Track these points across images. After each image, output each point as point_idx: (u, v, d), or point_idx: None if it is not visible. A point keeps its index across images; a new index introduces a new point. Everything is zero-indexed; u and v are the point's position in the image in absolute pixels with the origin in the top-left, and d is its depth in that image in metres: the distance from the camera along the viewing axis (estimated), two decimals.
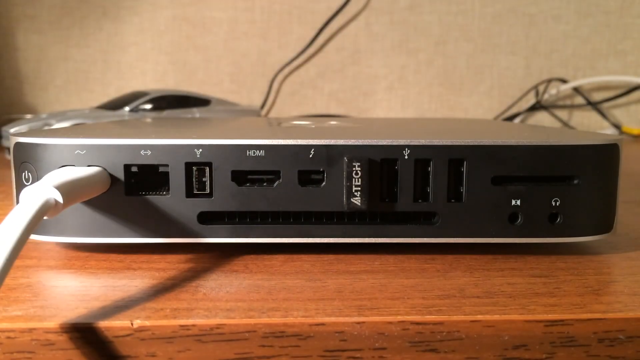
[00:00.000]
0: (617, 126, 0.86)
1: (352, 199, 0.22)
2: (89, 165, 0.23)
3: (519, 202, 0.23)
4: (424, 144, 0.23)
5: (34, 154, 0.23)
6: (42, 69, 0.84)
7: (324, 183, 0.23)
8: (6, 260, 0.16)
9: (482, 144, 0.23)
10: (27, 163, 0.23)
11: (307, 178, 0.23)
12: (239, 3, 0.86)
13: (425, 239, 0.24)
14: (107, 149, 0.23)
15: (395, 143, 0.23)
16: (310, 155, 0.23)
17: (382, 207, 0.23)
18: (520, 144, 0.23)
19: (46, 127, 0.53)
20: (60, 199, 0.19)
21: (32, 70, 0.84)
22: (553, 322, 0.18)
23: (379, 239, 0.24)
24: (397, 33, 0.87)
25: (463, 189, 0.23)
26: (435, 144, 0.23)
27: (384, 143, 0.23)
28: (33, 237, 0.24)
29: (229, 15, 0.86)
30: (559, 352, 0.18)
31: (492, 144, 0.23)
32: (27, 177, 0.23)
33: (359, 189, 0.22)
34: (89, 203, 0.23)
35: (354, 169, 0.22)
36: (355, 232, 0.24)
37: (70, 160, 0.23)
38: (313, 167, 0.23)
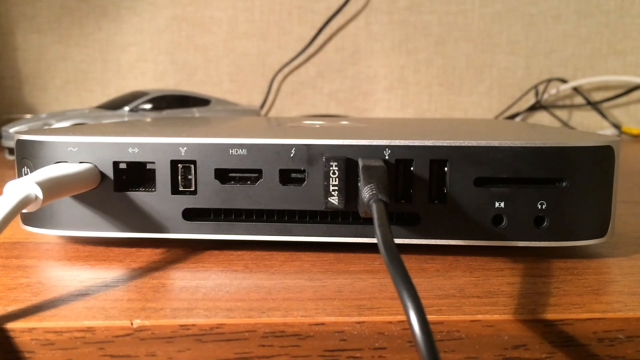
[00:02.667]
0: (616, 126, 0.86)
1: (329, 198, 0.22)
2: (80, 162, 0.24)
3: (502, 205, 0.22)
4: (405, 144, 0.22)
5: (32, 151, 0.24)
6: (41, 69, 0.84)
7: (305, 182, 0.23)
8: None
9: (463, 144, 0.22)
10: (26, 159, 0.24)
11: (288, 177, 0.23)
12: (239, 3, 0.86)
13: (406, 240, 0.23)
14: (96, 146, 0.24)
15: (375, 143, 0.22)
16: (291, 155, 0.23)
17: None
18: (503, 145, 0.22)
19: (46, 127, 0.53)
20: (40, 194, 0.20)
21: (31, 70, 0.84)
22: (553, 322, 0.18)
23: (360, 238, 0.24)
24: (397, 33, 0.87)
25: (446, 190, 0.23)
26: (416, 144, 0.22)
27: (364, 143, 0.22)
28: (26, 227, 0.25)
29: (229, 15, 0.86)
30: (559, 351, 0.18)
31: (474, 144, 0.22)
32: (25, 172, 0.24)
33: (336, 188, 0.22)
34: (81, 198, 0.24)
35: (331, 168, 0.22)
36: (336, 232, 0.23)
37: (64, 157, 0.24)
38: (294, 166, 0.23)
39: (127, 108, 0.59)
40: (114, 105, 0.59)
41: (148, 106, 0.60)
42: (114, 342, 0.18)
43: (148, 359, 0.18)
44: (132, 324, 0.18)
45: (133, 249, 0.25)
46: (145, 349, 0.18)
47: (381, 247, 0.17)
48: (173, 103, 0.61)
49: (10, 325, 0.18)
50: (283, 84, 0.88)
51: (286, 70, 0.87)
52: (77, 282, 0.21)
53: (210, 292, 0.20)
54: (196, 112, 0.62)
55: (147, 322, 0.18)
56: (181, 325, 0.18)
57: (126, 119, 0.58)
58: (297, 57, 0.86)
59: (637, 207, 0.34)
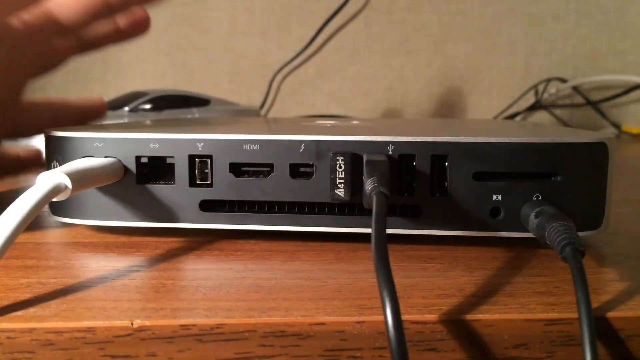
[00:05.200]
0: (616, 125, 0.86)
1: (336, 191, 0.23)
2: (106, 157, 0.25)
3: (500, 198, 0.24)
4: (408, 140, 0.24)
5: (61, 146, 0.26)
6: None
7: (314, 176, 0.24)
8: (16, 227, 0.19)
9: (463, 140, 0.23)
10: (55, 154, 0.26)
11: (298, 171, 0.25)
12: (239, 3, 0.86)
13: (408, 230, 0.24)
14: (120, 142, 0.25)
15: (379, 139, 0.24)
16: (301, 150, 0.24)
17: None
18: (500, 141, 0.23)
19: None
20: (69, 185, 0.22)
21: None
22: (553, 321, 0.18)
23: (365, 229, 0.25)
24: (397, 33, 0.87)
25: (446, 184, 0.24)
26: (418, 140, 0.24)
27: (369, 139, 0.24)
28: (55, 217, 0.27)
29: (229, 15, 0.86)
30: (559, 351, 0.18)
31: (473, 140, 0.23)
32: (55, 165, 0.26)
33: (342, 181, 0.23)
34: (105, 190, 0.25)
35: (337, 162, 0.23)
36: (343, 222, 0.25)
37: (90, 152, 0.25)
38: (303, 160, 0.24)
39: (126, 108, 0.59)
40: (114, 105, 0.59)
41: (148, 106, 0.60)
42: (114, 342, 0.18)
43: (148, 359, 0.18)
44: (132, 324, 0.18)
45: (132, 249, 0.25)
46: (145, 349, 0.18)
47: (373, 243, 0.18)
48: (173, 103, 0.61)
49: (10, 326, 0.18)
50: (283, 84, 0.88)
51: (286, 70, 0.87)
52: (77, 282, 0.21)
53: (210, 292, 0.20)
54: (196, 112, 0.62)
55: (147, 322, 0.18)
56: (181, 325, 0.18)
57: (126, 119, 0.58)
58: (296, 57, 0.86)
59: (637, 206, 0.34)
